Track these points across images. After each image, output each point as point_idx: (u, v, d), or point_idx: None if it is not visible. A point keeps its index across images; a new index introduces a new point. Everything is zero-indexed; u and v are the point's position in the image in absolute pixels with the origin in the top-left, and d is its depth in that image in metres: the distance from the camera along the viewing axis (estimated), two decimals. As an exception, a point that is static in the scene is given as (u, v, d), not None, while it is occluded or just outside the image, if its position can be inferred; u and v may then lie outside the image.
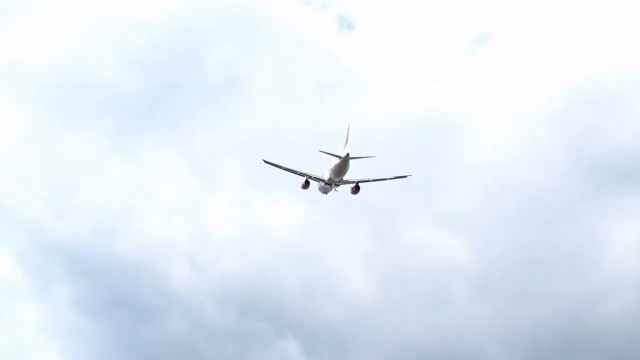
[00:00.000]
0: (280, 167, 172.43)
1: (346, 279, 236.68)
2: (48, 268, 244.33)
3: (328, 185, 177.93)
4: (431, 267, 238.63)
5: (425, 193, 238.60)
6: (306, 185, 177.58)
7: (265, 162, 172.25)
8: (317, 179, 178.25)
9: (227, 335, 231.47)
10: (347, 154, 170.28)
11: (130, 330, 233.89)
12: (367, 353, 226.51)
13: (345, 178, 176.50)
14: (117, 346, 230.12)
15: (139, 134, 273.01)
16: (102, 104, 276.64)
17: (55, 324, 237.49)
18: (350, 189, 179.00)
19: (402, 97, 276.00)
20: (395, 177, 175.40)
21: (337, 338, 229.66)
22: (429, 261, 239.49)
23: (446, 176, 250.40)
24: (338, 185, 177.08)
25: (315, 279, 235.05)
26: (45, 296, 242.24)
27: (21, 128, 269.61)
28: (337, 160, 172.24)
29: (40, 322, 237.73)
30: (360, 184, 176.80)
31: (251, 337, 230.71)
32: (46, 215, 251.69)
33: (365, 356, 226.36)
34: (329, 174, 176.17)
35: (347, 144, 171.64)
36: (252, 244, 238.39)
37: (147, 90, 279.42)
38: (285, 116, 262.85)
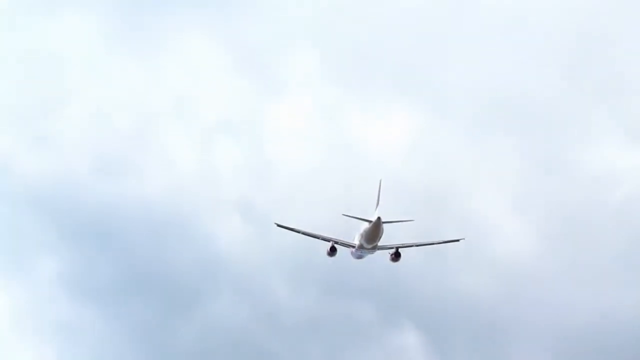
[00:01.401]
0: (299, 232, 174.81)
1: (492, 231, 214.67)
2: (24, 229, 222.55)
3: (361, 251, 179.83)
4: (627, 209, 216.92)
5: (608, 93, 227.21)
6: (332, 252, 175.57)
7: (278, 225, 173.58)
8: (345, 245, 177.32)
9: (307, 325, 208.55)
10: (378, 218, 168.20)
11: (155, 322, 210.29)
12: (526, 347, 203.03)
13: (381, 243, 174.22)
14: (134, 347, 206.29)
15: (156, 15, 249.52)
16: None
17: (37, 315, 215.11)
18: (389, 256, 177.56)
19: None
20: (445, 242, 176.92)
21: (480, 324, 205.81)
22: (623, 199, 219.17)
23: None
24: (373, 252, 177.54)
25: (443, 233, 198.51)
26: (21, 274, 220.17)
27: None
28: (367, 225, 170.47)
29: (15, 313, 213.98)
30: (401, 250, 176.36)
31: (345, 328, 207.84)
32: (18, 146, 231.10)
33: (524, 352, 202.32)
34: (359, 239, 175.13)
35: (379, 205, 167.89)
36: (340, 180, 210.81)
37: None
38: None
